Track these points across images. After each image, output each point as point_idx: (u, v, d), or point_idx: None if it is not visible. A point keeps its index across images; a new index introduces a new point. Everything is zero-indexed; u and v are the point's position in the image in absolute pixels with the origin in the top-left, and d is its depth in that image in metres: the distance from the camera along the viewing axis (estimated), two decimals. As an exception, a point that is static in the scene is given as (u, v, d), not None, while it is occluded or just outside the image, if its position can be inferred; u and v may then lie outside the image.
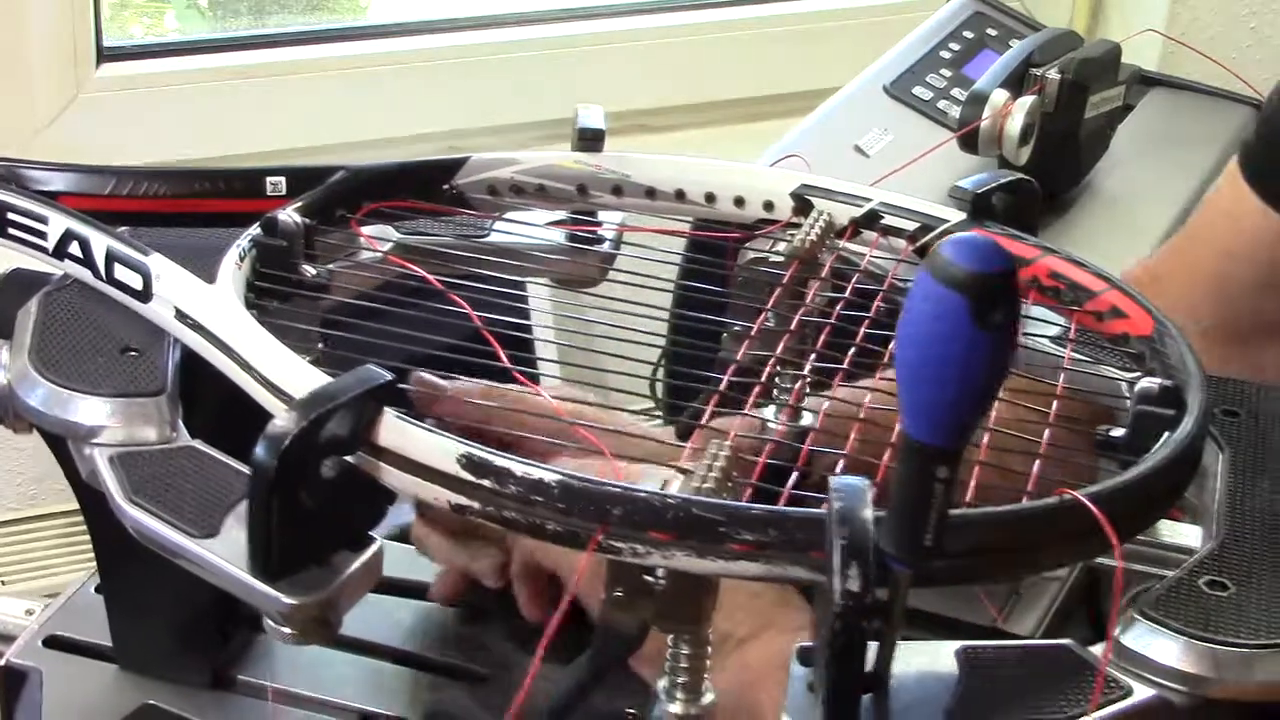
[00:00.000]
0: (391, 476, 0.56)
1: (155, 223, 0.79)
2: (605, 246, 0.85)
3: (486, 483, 0.53)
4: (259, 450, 0.52)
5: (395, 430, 0.55)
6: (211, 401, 0.67)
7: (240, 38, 1.51)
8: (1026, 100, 1.02)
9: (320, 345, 0.70)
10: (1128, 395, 0.67)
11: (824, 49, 1.65)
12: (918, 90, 1.16)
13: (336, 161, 0.81)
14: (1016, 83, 1.05)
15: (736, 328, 0.75)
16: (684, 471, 0.56)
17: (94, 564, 0.79)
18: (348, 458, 0.56)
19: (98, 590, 0.82)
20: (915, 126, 1.11)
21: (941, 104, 1.14)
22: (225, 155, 1.40)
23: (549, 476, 0.53)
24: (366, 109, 1.48)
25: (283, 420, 0.53)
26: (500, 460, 0.53)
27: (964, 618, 0.80)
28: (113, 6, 1.48)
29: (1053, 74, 1.05)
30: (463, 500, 0.54)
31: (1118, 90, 1.11)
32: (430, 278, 0.73)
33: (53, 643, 0.80)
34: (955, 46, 1.21)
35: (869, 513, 0.50)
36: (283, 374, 0.59)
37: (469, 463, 0.54)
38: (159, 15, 1.61)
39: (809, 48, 1.65)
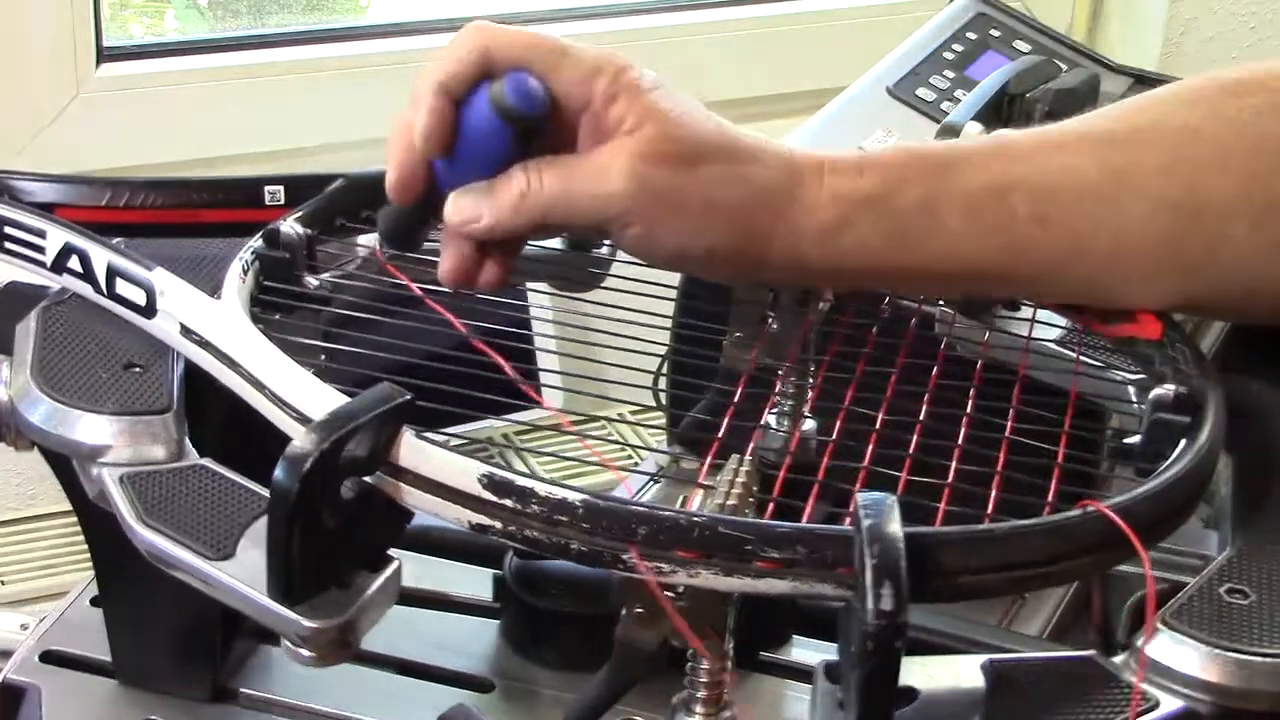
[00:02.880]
0: (412, 497, 0.55)
1: (153, 234, 0.77)
2: (604, 249, 0.85)
3: (509, 503, 0.53)
4: (279, 473, 0.51)
5: (415, 450, 0.55)
6: (217, 417, 0.66)
7: (240, 38, 1.50)
8: None
9: (323, 357, 0.69)
10: (1137, 401, 0.67)
11: (825, 49, 1.64)
12: (921, 91, 1.15)
13: (337, 162, 0.80)
14: (993, 112, 1.01)
15: (739, 334, 0.74)
16: (705, 487, 0.55)
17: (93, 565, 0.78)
18: (367, 478, 0.55)
19: (94, 602, 0.81)
20: (919, 128, 1.10)
21: (945, 105, 1.13)
22: (225, 155, 1.39)
23: (573, 496, 0.52)
24: (366, 109, 1.47)
25: (302, 442, 0.52)
26: (522, 480, 0.53)
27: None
28: (113, 6, 1.47)
29: (1029, 105, 1.01)
30: (485, 520, 0.53)
31: None
32: (430, 289, 0.72)
33: (50, 658, 0.79)
34: (958, 48, 1.20)
35: (898, 528, 0.50)
36: (296, 393, 0.59)
37: (490, 482, 0.53)
38: (159, 15, 1.61)
39: (810, 48, 1.64)
